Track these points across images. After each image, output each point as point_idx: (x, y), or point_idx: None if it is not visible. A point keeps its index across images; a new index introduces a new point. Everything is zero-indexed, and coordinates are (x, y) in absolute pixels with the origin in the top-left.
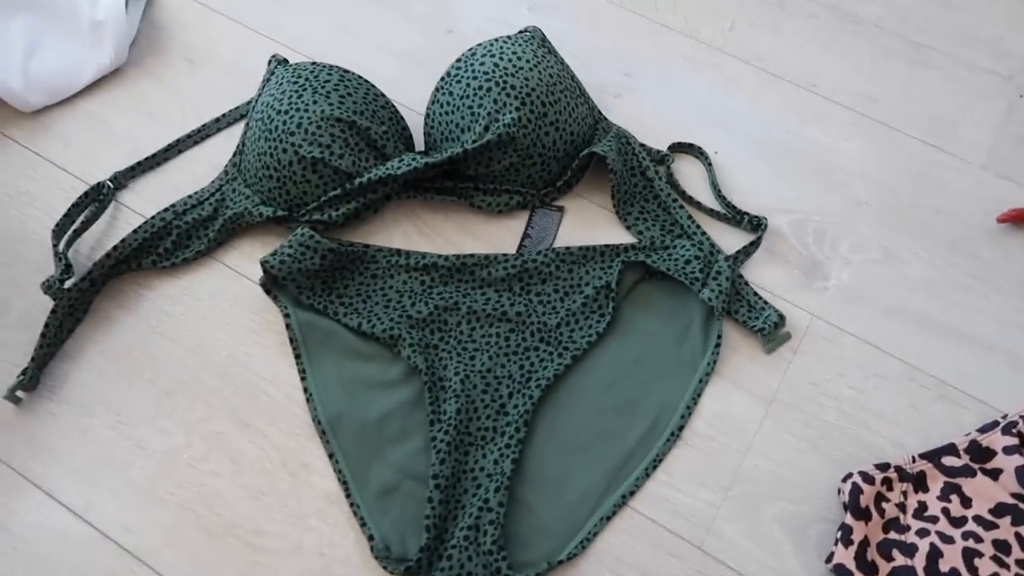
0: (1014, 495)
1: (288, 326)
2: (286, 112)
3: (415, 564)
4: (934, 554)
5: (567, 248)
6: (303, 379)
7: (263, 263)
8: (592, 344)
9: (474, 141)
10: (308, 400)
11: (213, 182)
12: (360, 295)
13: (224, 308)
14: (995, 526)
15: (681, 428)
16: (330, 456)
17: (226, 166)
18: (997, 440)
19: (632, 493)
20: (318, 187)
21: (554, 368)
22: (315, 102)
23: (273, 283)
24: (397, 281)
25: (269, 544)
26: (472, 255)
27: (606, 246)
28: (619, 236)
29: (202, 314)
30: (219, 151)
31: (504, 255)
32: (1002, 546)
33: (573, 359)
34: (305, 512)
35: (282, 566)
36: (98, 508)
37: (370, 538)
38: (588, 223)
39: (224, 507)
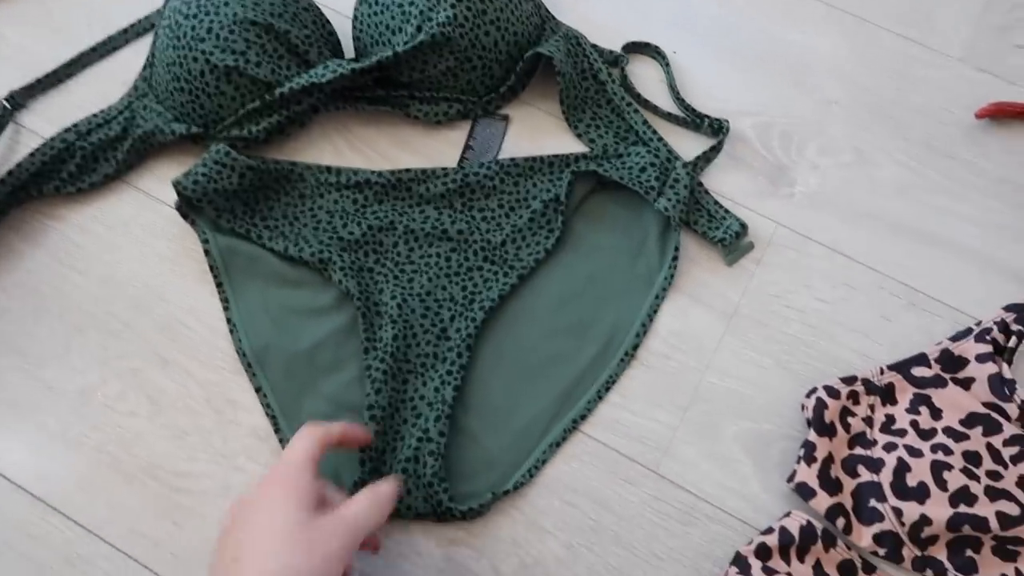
0: (986, 404)
1: (207, 252)
2: (194, 16)
3: (366, 464)
4: (901, 468)
5: (512, 160)
6: (226, 309)
7: (175, 184)
8: (540, 262)
9: (406, 43)
10: (232, 332)
11: (121, 99)
12: (286, 217)
13: (137, 236)
14: (966, 437)
15: (636, 347)
16: (257, 390)
17: (135, 81)
18: (970, 348)
19: (583, 417)
20: (234, 99)
21: (499, 288)
22: (226, 4)
23: (189, 206)
24: (327, 201)
25: (194, 485)
26: (408, 170)
27: (554, 156)
28: (569, 145)
29: (113, 243)
30: (128, 66)
31: (444, 169)
32: (972, 457)
33: (519, 278)
34: (232, 450)
35: (209, 508)
36: (5, 455)
37: None
38: (535, 132)
39: (143, 448)
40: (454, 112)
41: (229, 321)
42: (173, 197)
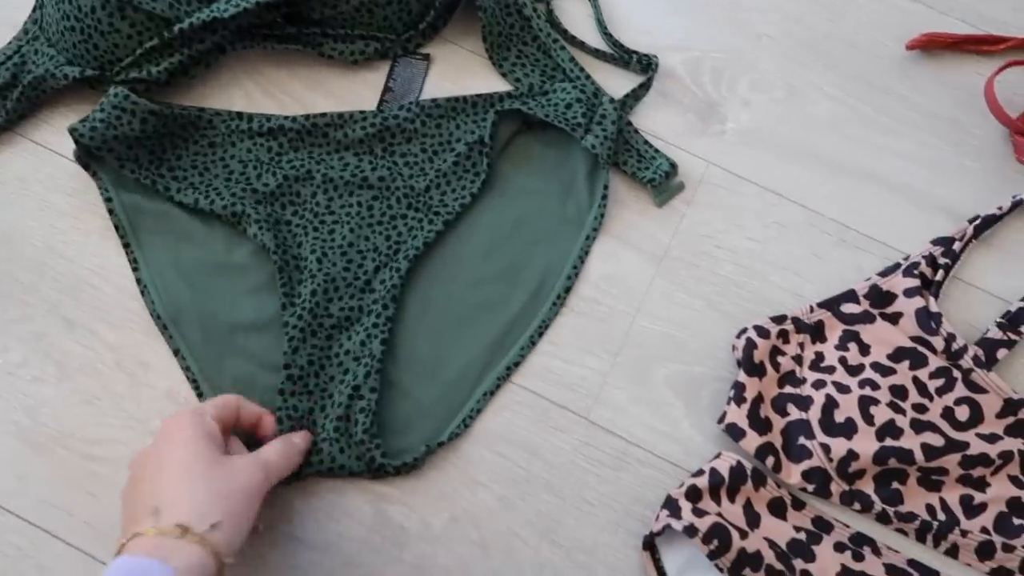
0: (913, 338)
1: (111, 211)
2: None
3: (284, 423)
4: (829, 405)
5: (433, 100)
6: (135, 270)
7: (71, 131)
8: (466, 207)
9: None
10: (143, 293)
11: (10, 43)
12: (196, 167)
13: (35, 191)
14: (892, 371)
15: (567, 291)
16: (175, 352)
17: (25, 24)
18: (898, 283)
19: (516, 365)
20: (131, 37)
21: (424, 236)
22: None
23: (89, 155)
24: (239, 149)
25: (107, 452)
26: (324, 114)
27: (477, 96)
28: (494, 85)
29: (8, 200)
30: (16, 7)
31: (361, 112)
32: (899, 391)
33: (445, 224)
34: (146, 414)
35: (124, 475)
36: None
37: None
38: (459, 72)
39: (51, 416)
40: (371, 51)
41: (139, 282)
42: (71, 148)
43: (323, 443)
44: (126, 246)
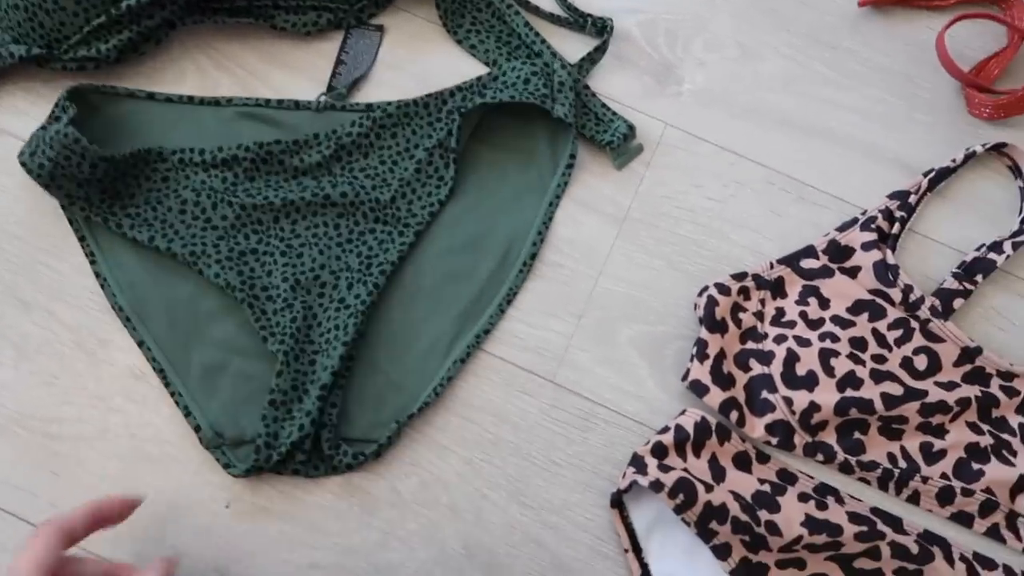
0: (871, 291)
1: (63, 206)
2: None
3: (261, 451)
4: (791, 359)
5: (383, 109)
6: (93, 263)
7: (21, 163)
8: (435, 215)
9: None
10: (103, 287)
11: None
12: (149, 203)
13: None
14: (852, 324)
15: (533, 258)
16: (139, 344)
17: None
18: (856, 237)
19: (487, 332)
20: (76, 15)
21: (397, 249)
22: None
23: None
24: (193, 182)
25: (69, 431)
26: (278, 141)
27: (427, 96)
28: (450, 53)
29: None
30: None
31: (315, 136)
32: (858, 343)
33: (416, 235)
34: (107, 392)
35: (88, 453)
36: None
37: (196, 428)
38: (414, 41)
39: (10, 398)
40: (324, 22)
41: (98, 275)
42: (23, 128)
43: (299, 465)
44: (81, 240)
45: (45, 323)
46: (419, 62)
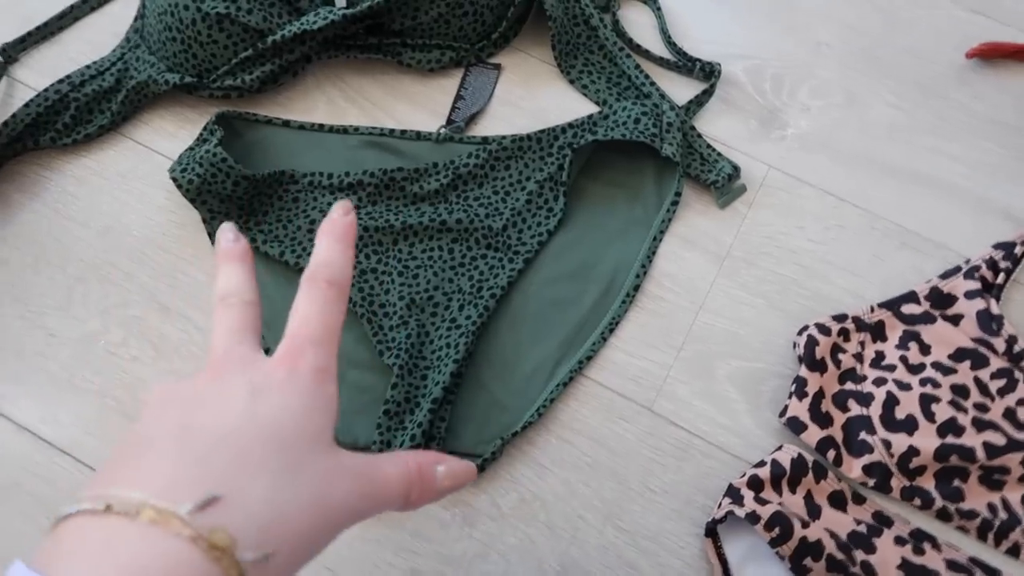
0: (974, 339)
1: (205, 220)
2: None
3: None
4: (890, 402)
5: (499, 143)
6: None
7: (171, 175)
8: (544, 244)
9: None
10: None
11: (114, 50)
12: (280, 221)
13: (135, 187)
14: (954, 371)
15: (636, 289)
16: (266, 351)
17: (127, 33)
18: (959, 285)
19: (589, 359)
20: (227, 48)
21: (507, 275)
22: None
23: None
24: (321, 203)
25: None
26: (401, 169)
27: (540, 132)
28: (562, 92)
29: (111, 194)
30: (119, 18)
31: (434, 165)
32: (960, 390)
33: (525, 262)
34: None
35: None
36: (12, 400)
37: None
38: (529, 79)
39: (146, 391)
40: (447, 59)
41: None
42: (171, 148)
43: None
44: None
45: (182, 326)
46: (533, 99)
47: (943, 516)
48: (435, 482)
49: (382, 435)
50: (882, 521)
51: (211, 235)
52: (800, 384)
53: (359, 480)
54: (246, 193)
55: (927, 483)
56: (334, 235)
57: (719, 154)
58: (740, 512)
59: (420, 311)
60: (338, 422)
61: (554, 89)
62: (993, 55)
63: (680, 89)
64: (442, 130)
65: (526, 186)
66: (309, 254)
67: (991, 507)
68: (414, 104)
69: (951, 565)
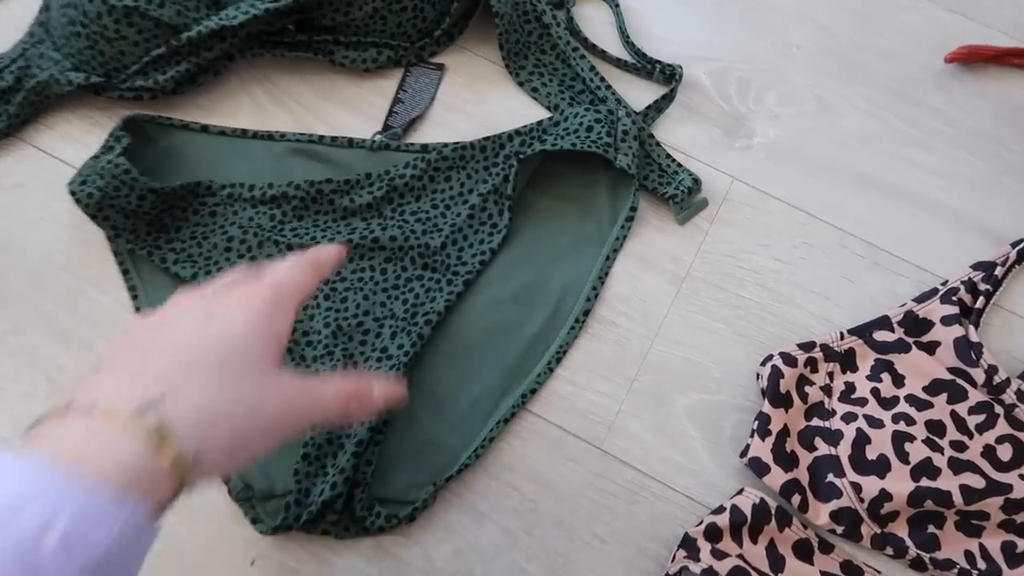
0: (951, 369)
1: (109, 237)
2: None
3: (291, 508)
4: (861, 440)
5: (438, 150)
6: (134, 298)
7: (71, 192)
8: (486, 264)
9: None
10: None
11: (14, 46)
12: (195, 238)
13: (35, 199)
14: (929, 405)
15: (587, 313)
16: None
17: (31, 27)
18: (935, 310)
19: (533, 392)
20: (137, 44)
21: (444, 298)
22: None
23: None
24: (241, 218)
25: None
26: (329, 180)
27: (485, 140)
28: (511, 95)
29: (7, 207)
30: (24, 10)
31: (367, 176)
32: (936, 427)
33: (466, 285)
34: None
35: None
36: None
37: (225, 480)
38: (474, 81)
39: None
40: (384, 59)
41: (139, 311)
42: (76, 156)
43: (329, 524)
44: (124, 272)
45: (82, 357)
46: (479, 103)
47: (917, 566)
48: (371, 397)
49: (300, 483)
50: (851, 572)
51: (117, 253)
52: (763, 421)
53: (295, 393)
54: (154, 207)
55: (900, 530)
56: (307, 256)
57: (679, 165)
58: (695, 568)
59: (347, 339)
60: (258, 460)
61: (502, 92)
62: (974, 59)
63: (638, 93)
64: (377, 137)
65: (468, 199)
66: None
67: (968, 556)
68: (348, 108)
69: None
